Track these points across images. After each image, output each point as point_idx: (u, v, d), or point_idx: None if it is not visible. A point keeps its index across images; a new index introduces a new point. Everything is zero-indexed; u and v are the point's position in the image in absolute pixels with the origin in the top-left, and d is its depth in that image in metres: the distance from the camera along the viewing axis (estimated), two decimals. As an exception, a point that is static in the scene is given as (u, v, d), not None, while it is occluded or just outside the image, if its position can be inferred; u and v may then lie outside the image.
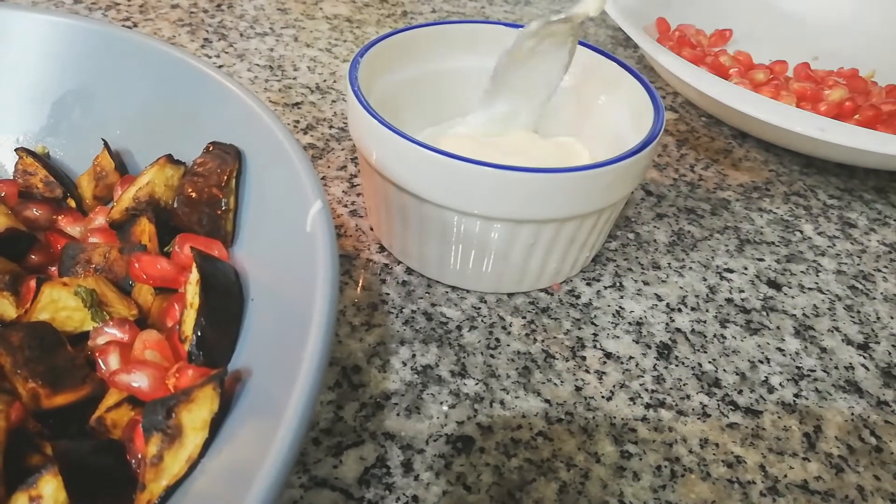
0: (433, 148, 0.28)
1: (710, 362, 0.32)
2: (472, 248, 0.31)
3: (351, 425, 0.27)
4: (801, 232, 0.41)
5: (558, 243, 0.31)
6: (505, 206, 0.28)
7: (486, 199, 0.28)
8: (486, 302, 0.33)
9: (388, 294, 0.33)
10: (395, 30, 0.35)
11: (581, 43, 0.36)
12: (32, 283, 0.24)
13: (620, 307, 0.34)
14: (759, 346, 0.33)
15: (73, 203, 0.30)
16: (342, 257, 0.34)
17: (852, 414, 0.30)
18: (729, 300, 0.35)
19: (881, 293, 0.37)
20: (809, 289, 0.37)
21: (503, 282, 0.33)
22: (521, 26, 0.36)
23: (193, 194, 0.26)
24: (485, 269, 0.32)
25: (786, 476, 0.27)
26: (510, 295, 0.33)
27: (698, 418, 0.29)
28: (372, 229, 0.36)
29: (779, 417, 0.30)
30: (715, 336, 0.33)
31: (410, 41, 0.35)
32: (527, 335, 0.32)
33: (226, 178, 0.26)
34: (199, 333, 0.22)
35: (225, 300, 0.24)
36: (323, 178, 0.39)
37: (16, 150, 0.30)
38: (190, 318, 0.23)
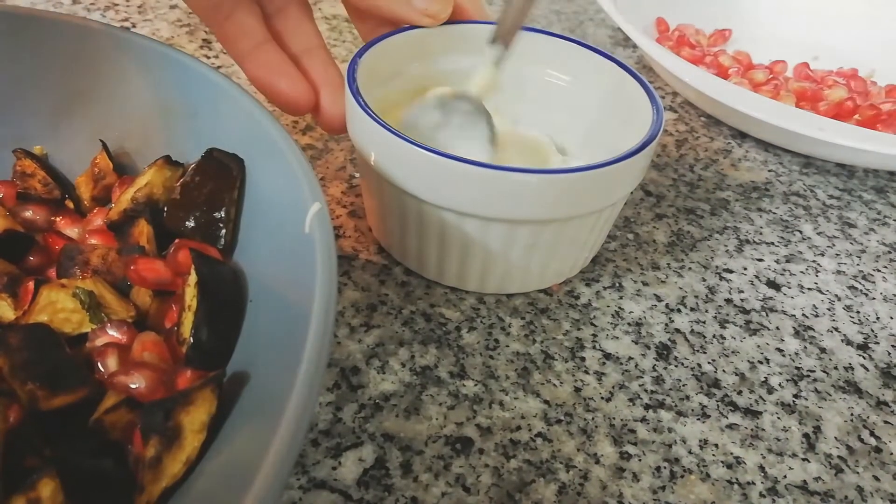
0: (430, 149, 0.28)
1: (709, 363, 0.32)
2: (471, 249, 0.31)
3: (350, 426, 0.27)
4: (801, 232, 0.41)
5: (558, 244, 0.31)
6: (503, 206, 0.28)
7: (485, 200, 0.28)
8: (485, 303, 0.33)
9: (387, 295, 0.33)
10: (393, 30, 0.35)
11: (579, 42, 0.36)
12: (31, 284, 0.24)
13: (620, 308, 0.34)
14: (758, 346, 0.33)
15: (71, 204, 0.30)
16: (341, 258, 0.34)
17: (852, 414, 0.30)
18: (728, 300, 0.35)
19: (881, 293, 0.37)
20: (809, 289, 0.37)
21: (503, 283, 0.32)
22: (526, 28, 0.36)
23: (190, 205, 0.26)
24: (484, 270, 0.32)
25: (785, 477, 0.27)
26: (509, 296, 0.33)
27: (698, 419, 0.29)
28: (371, 230, 0.36)
29: (778, 418, 0.30)
30: (714, 336, 0.33)
31: (409, 42, 0.35)
32: (526, 336, 0.31)
33: (226, 193, 0.26)
34: (198, 335, 0.22)
35: (223, 302, 0.24)
36: (321, 178, 0.39)
37: (14, 151, 0.30)
38: (188, 319, 0.23)
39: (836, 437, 0.29)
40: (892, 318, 0.36)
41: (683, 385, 0.30)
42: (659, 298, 0.35)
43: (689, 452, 0.28)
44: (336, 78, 0.33)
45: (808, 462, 0.28)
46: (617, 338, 0.32)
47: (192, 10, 0.32)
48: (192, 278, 0.23)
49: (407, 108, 0.34)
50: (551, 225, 0.30)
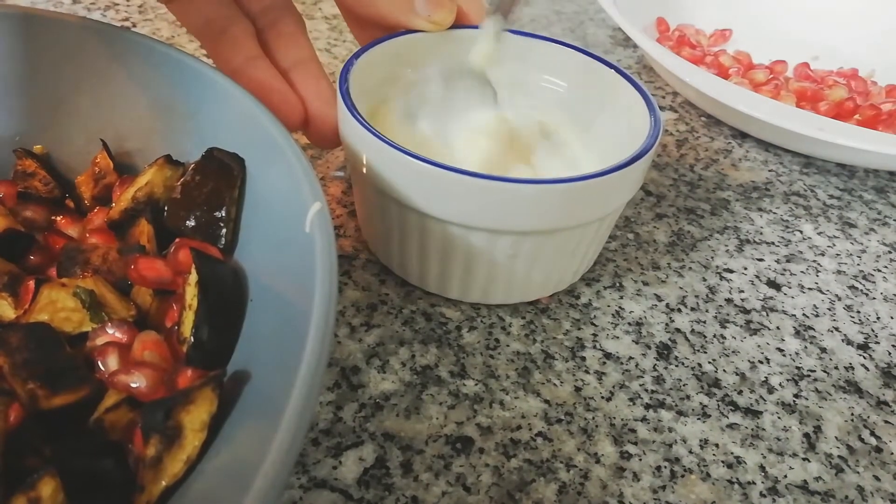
0: (416, 155, 0.27)
1: (709, 363, 0.32)
2: (452, 257, 0.30)
3: (350, 426, 0.27)
4: (801, 232, 0.41)
5: (542, 255, 0.30)
6: (484, 215, 0.28)
7: (465, 208, 0.28)
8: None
9: (388, 294, 0.33)
10: (390, 34, 0.34)
11: (575, 48, 0.36)
12: (31, 283, 0.24)
13: (620, 307, 0.34)
14: (758, 346, 0.33)
15: (71, 204, 0.30)
16: (341, 258, 0.34)
17: (852, 414, 0.30)
18: (729, 300, 0.35)
19: (881, 293, 0.37)
20: (809, 289, 0.37)
21: (487, 292, 0.32)
22: (525, 33, 0.36)
23: (191, 205, 0.26)
24: (464, 279, 0.31)
25: (786, 476, 0.27)
26: (510, 295, 0.33)
27: (698, 419, 0.29)
28: (370, 230, 0.36)
29: (779, 418, 0.30)
30: (715, 336, 0.33)
31: (407, 45, 0.35)
32: (526, 335, 0.31)
33: (226, 192, 0.26)
34: (198, 334, 0.22)
35: (224, 301, 0.24)
36: (322, 178, 0.39)
37: (14, 150, 0.30)
38: (188, 319, 0.23)
39: (836, 437, 0.29)
40: (892, 317, 0.36)
41: (684, 385, 0.30)
42: (659, 298, 0.35)
43: (690, 452, 0.28)
44: (327, 90, 0.33)
45: (809, 462, 0.28)
46: (617, 337, 0.32)
47: (185, 27, 0.32)
48: (193, 277, 0.23)
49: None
50: (542, 235, 0.29)
